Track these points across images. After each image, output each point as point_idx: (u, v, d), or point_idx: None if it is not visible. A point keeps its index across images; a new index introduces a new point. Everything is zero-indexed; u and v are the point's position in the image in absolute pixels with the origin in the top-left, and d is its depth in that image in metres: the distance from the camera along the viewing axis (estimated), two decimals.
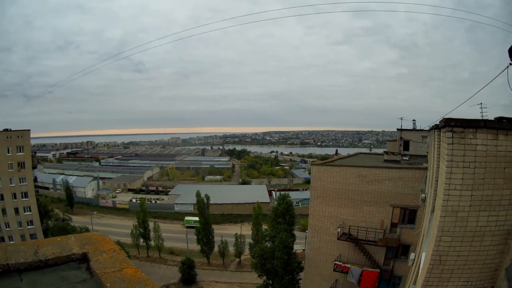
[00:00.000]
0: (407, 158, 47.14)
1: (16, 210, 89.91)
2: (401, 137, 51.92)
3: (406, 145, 51.55)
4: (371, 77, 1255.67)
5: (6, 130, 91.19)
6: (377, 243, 37.26)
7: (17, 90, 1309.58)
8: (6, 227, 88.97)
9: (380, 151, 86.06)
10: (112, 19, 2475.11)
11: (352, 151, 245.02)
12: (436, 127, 19.76)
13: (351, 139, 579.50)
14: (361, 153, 68.16)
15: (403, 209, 36.79)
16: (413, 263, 26.39)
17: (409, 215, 36.58)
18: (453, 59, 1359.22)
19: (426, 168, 31.23)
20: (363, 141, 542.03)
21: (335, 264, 39.25)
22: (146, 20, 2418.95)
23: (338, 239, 39.16)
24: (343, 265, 38.63)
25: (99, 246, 5.76)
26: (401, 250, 37.52)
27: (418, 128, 53.77)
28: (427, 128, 34.88)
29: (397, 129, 52.94)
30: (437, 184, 18.95)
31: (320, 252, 42.77)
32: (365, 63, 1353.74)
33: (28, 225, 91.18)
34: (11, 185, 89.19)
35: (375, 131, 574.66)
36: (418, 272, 20.59)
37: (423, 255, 18.68)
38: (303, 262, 55.14)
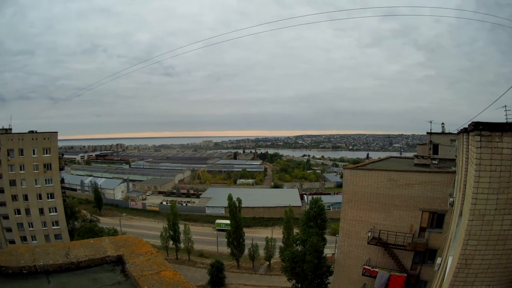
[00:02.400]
0: (436, 162, 46.61)
1: (41, 211, 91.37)
2: (430, 141, 51.36)
3: (435, 148, 50.96)
4: (399, 80, 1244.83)
5: (31, 132, 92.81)
6: (406, 247, 36.89)
7: (42, 92, 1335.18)
8: (30, 227, 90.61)
9: (410, 155, 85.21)
10: (140, 23, 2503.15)
11: (382, 155, 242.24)
12: (464, 131, 19.62)
13: (381, 143, 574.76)
14: (392, 157, 67.74)
15: (431, 213, 36.26)
16: (439, 268, 26.14)
17: (438, 219, 36.06)
18: (477, 60, 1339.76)
19: (454, 172, 30.93)
20: (394, 145, 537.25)
21: (364, 268, 38.96)
22: (174, 23, 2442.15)
23: (368, 243, 38.95)
24: (371, 269, 38.31)
25: (135, 248, 5.82)
26: (428, 255, 36.99)
27: (446, 131, 53.21)
28: (455, 132, 34.49)
29: (427, 133, 52.37)
30: (465, 188, 18.79)
31: (349, 256, 42.56)
32: (394, 65, 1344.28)
33: (53, 225, 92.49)
34: (36, 186, 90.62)
35: (405, 135, 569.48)
36: (443, 276, 20.43)
37: (450, 259, 18.53)
38: (332, 266, 54.88)
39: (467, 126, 17.51)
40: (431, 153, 50.21)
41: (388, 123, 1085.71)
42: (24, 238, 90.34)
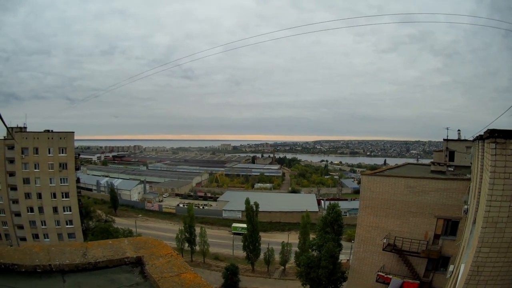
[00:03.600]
0: (452, 169, 46.33)
1: (55, 209, 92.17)
2: (447, 148, 51.06)
3: (451, 155, 50.64)
4: (416, 86, 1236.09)
5: (47, 131, 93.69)
6: (420, 254, 36.66)
7: (59, 92, 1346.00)
8: (42, 225, 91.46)
9: (427, 161, 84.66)
10: (158, 25, 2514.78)
11: (400, 161, 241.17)
12: (480, 138, 19.48)
13: (399, 149, 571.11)
14: (409, 163, 67.54)
15: (446, 220, 36.03)
16: (451, 275, 25.96)
17: (452, 227, 35.81)
18: (492, 66, 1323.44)
19: (469, 179, 30.74)
20: (411, 151, 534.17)
21: (378, 275, 38.75)
22: (192, 26, 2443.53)
23: (383, 249, 38.70)
24: (385, 276, 38.14)
25: (155, 250, 5.82)
26: (441, 262, 36.69)
27: (462, 138, 52.85)
28: (471, 138, 34.28)
29: (444, 140, 52.07)
30: (479, 195, 18.66)
31: (364, 262, 42.40)
32: (411, 71, 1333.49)
33: (67, 224, 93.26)
34: (51, 185, 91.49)
35: (422, 141, 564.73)
36: (455, 283, 20.29)
37: (462, 266, 18.41)
38: (347, 272, 54.74)
39: (482, 133, 17.41)
40: (447, 160, 49.91)
41: (405, 129, 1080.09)
42: (36, 236, 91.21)
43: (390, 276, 37.77)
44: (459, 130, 54.36)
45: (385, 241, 38.70)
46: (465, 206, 28.38)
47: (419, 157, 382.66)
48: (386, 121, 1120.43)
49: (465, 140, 49.67)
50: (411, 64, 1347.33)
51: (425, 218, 36.94)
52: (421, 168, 55.77)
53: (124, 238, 6.72)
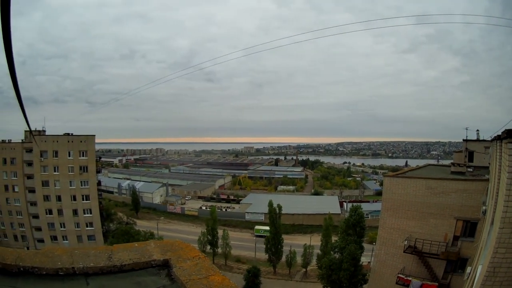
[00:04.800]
0: (471, 170, 45.91)
1: (75, 212, 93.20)
2: (466, 148, 50.57)
3: (470, 156, 50.15)
4: (436, 86, 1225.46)
5: (67, 134, 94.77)
6: (439, 256, 36.39)
7: (79, 96, 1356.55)
8: (61, 227, 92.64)
9: (447, 162, 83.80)
10: (179, 28, 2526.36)
11: (421, 162, 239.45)
12: (498, 138, 19.25)
13: (420, 150, 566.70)
14: (429, 164, 66.85)
15: (465, 221, 35.72)
16: (468, 277, 25.70)
17: (470, 228, 35.51)
18: (508, 65, 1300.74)
19: (488, 180, 30.43)
20: (431, 152, 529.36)
21: (398, 277, 38.50)
22: (213, 29, 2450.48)
23: (404, 251, 38.46)
24: (405, 278, 37.90)
25: (182, 253, 5.83)
26: (459, 264, 36.36)
27: (481, 138, 52.29)
28: (489, 139, 33.92)
29: (463, 140, 51.58)
30: (497, 196, 18.43)
31: (385, 264, 42.18)
32: (431, 71, 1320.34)
33: (87, 226, 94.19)
34: (71, 187, 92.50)
35: (442, 142, 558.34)
36: (472, 285, 20.08)
37: (479, 268, 18.22)
38: (367, 274, 54.52)
39: (500, 133, 17.20)
40: (466, 161, 49.44)
41: (426, 130, 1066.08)
42: (54, 238, 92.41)
43: (410, 278, 37.54)
44: (477, 130, 53.76)
45: (405, 243, 38.43)
46: (483, 207, 28.13)
47: (439, 158, 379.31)
48: (407, 122, 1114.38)
49: (484, 140, 49.17)
50: (430, 64, 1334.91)
51: (445, 219, 36.67)
52: (442, 169, 55.29)
53: (150, 241, 6.71)
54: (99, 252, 5.61)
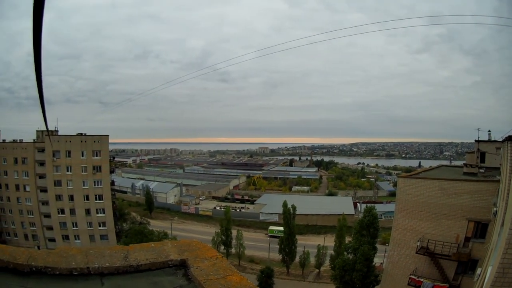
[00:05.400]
0: (483, 171, 45.75)
1: (87, 211, 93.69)
2: (478, 149, 50.36)
3: (482, 157, 49.91)
4: (449, 86, 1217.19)
5: (80, 134, 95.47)
6: (451, 257, 36.27)
7: (92, 96, 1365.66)
8: (74, 227, 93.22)
9: (460, 163, 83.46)
10: (192, 29, 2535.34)
11: (434, 163, 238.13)
12: (509, 139, 19.29)
13: (433, 151, 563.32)
14: (442, 165, 66.66)
15: (476, 223, 35.57)
16: (478, 278, 25.68)
17: (481, 229, 35.31)
18: None
19: (499, 181, 30.37)
20: (444, 153, 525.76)
21: (410, 278, 38.39)
22: (226, 30, 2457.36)
23: (416, 252, 38.39)
24: (417, 279, 37.85)
25: (200, 253, 5.82)
26: (470, 265, 36.16)
27: (493, 139, 52.03)
28: (501, 139, 33.84)
29: (475, 141, 51.37)
30: (508, 197, 18.47)
31: (397, 265, 42.10)
32: (443, 71, 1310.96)
33: (99, 226, 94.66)
34: (84, 187, 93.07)
35: (455, 143, 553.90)
36: (482, 286, 20.09)
37: (489, 269, 18.23)
38: (380, 275, 54.48)
39: (511, 134, 17.25)
40: (478, 162, 49.26)
41: (439, 130, 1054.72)
42: (66, 237, 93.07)
43: (422, 280, 37.51)
44: (489, 131, 53.51)
45: (418, 244, 38.40)
46: (494, 208, 28.06)
47: (452, 158, 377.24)
48: (420, 123, 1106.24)
49: (495, 141, 48.95)
50: (442, 64, 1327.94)
51: (457, 220, 36.54)
52: (455, 170, 55.11)
53: (167, 240, 6.89)
54: (115, 252, 5.64)
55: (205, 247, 6.05)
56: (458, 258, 36.02)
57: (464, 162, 57.13)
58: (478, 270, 27.49)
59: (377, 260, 68.38)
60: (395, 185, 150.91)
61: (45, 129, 73.52)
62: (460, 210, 36.38)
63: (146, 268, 5.34)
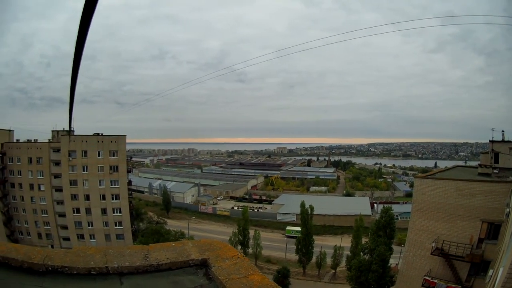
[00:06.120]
0: (497, 171, 45.54)
1: (103, 211, 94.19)
2: (492, 149, 50.08)
3: (496, 157, 49.62)
4: (463, 86, 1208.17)
5: (96, 134, 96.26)
6: (464, 258, 36.16)
7: (108, 97, 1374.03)
8: (89, 226, 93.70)
9: (474, 163, 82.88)
10: (208, 29, 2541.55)
11: (449, 163, 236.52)
12: None
13: (448, 151, 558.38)
14: (458, 166, 66.37)
15: (490, 224, 35.41)
16: (489, 280, 25.71)
17: (494, 230, 35.06)
18: None
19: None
20: (459, 153, 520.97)
21: (424, 279, 38.32)
22: (243, 30, 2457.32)
23: (431, 253, 38.31)
24: (431, 280, 37.85)
25: (221, 252, 5.85)
26: (482, 266, 35.87)
27: (506, 139, 51.67)
28: None
29: (489, 141, 51.12)
30: None
31: (412, 266, 42.04)
32: (457, 71, 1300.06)
33: (115, 225, 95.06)
34: (100, 187, 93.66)
35: (470, 143, 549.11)
36: (493, 287, 20.17)
37: (501, 270, 18.31)
38: (395, 276, 54.52)
39: None
40: (492, 162, 48.99)
41: (454, 131, 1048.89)
42: (81, 236, 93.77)
43: (436, 281, 37.49)
44: (503, 131, 53.17)
45: (433, 245, 38.36)
46: (507, 209, 28.04)
47: (467, 159, 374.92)
48: (436, 123, 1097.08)
49: (509, 142, 48.70)
50: (456, 64, 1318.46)
51: (472, 221, 36.38)
52: (470, 170, 54.77)
53: (188, 240, 6.85)
54: (135, 252, 5.72)
55: (226, 247, 6.11)
56: (471, 259, 35.82)
57: (479, 162, 57.01)
58: (490, 272, 27.52)
59: (392, 261, 68.33)
60: (411, 185, 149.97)
61: (61, 129, 74.43)
62: (475, 211, 36.25)
63: (167, 268, 5.43)
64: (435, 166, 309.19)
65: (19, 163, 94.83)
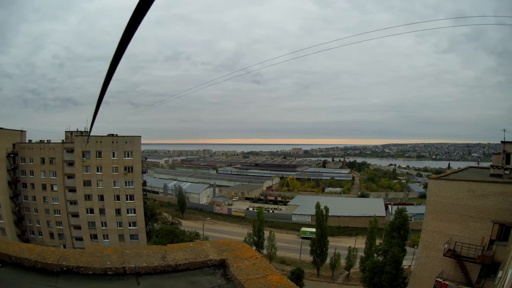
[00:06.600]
0: (508, 172, 45.45)
1: (118, 211, 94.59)
2: (504, 150, 49.89)
3: (508, 158, 49.43)
4: (475, 87, 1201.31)
5: (111, 135, 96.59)
6: (475, 260, 36.07)
7: (122, 98, 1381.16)
8: (103, 226, 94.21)
9: (486, 164, 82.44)
10: (223, 31, 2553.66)
11: (462, 164, 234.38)
12: None
13: (461, 152, 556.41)
14: (471, 167, 66.15)
15: (501, 225, 35.32)
16: (499, 281, 25.83)
17: (505, 232, 35.00)
18: None
19: None
20: (472, 154, 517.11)
21: (436, 280, 38.21)
22: (257, 31, 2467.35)
23: (443, 255, 38.26)
24: (443, 282, 37.83)
25: (239, 253, 5.87)
26: (492, 268, 35.72)
27: None
28: None
29: (501, 142, 50.95)
30: None
31: (425, 268, 41.99)
32: (469, 71, 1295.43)
33: (130, 226, 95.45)
34: (114, 187, 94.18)
35: (482, 144, 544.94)
36: None
37: (510, 272, 18.47)
38: (408, 278, 54.54)
39: None
40: (504, 163, 48.83)
41: (467, 131, 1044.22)
42: (94, 236, 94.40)
43: (447, 282, 37.53)
44: None
45: (446, 246, 38.39)
46: None
47: (479, 160, 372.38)
48: (449, 124, 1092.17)
49: None
50: (468, 64, 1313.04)
51: (483, 223, 36.23)
52: (482, 171, 54.54)
53: (206, 241, 6.93)
54: (152, 252, 5.77)
55: (244, 247, 6.16)
56: (482, 261, 35.72)
57: (491, 163, 56.87)
58: (499, 273, 27.60)
59: (405, 263, 68.30)
60: (425, 186, 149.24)
61: (74, 129, 75.42)
62: (486, 212, 36.13)
63: (185, 268, 5.48)
64: (449, 167, 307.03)
65: (31, 163, 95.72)
